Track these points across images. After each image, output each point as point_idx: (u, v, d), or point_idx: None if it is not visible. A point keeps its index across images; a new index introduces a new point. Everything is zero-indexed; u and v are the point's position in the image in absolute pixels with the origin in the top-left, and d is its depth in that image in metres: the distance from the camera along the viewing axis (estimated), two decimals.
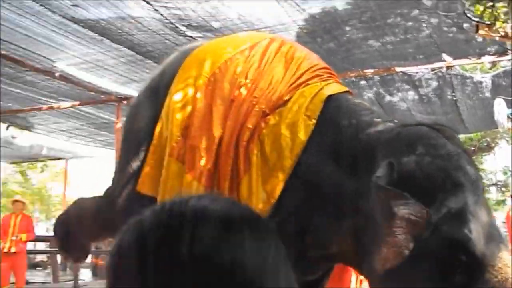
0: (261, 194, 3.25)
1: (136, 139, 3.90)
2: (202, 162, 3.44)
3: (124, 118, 12.49)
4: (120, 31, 8.72)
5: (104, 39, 9.06)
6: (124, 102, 12.33)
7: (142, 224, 0.88)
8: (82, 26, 8.56)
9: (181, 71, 3.75)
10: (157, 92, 3.87)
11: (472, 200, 2.63)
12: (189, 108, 3.59)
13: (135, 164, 3.80)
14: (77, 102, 12.62)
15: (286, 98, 3.46)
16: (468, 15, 8.05)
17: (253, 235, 0.87)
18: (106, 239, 6.33)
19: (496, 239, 2.67)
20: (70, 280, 14.24)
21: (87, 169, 28.15)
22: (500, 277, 2.58)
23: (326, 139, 3.27)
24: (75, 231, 4.41)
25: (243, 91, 3.53)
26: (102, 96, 12.30)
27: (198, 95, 3.59)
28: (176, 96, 3.66)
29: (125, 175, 3.89)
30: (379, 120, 3.26)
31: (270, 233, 0.91)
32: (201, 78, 3.62)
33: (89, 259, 17.35)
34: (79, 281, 14.52)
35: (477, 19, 8.02)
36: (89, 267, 17.33)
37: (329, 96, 3.40)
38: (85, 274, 16.69)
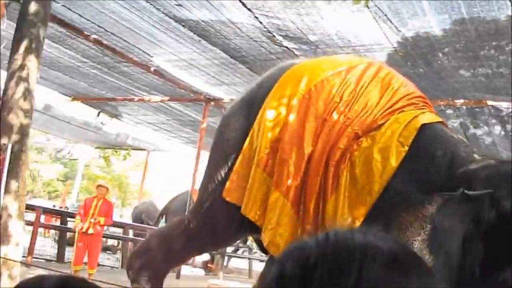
0: (346, 215, 3.24)
1: (226, 148, 3.98)
2: (290, 178, 3.49)
3: (210, 118, 12.85)
4: (218, 34, 8.96)
5: (202, 40, 9.32)
6: (212, 103, 12.59)
7: (306, 254, 0.87)
8: (183, 25, 8.84)
9: (277, 87, 3.80)
10: (251, 105, 3.92)
11: None
12: (281, 123, 3.63)
13: (222, 172, 3.88)
14: (167, 98, 12.99)
15: (380, 122, 3.44)
16: None
17: (418, 277, 0.86)
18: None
19: None
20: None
21: (167, 163, 28.79)
22: None
23: (418, 167, 3.23)
24: (154, 261, 4.30)
25: (337, 111, 3.54)
26: (192, 95, 12.61)
27: (291, 113, 3.62)
28: (269, 113, 3.72)
29: (212, 182, 3.95)
30: (475, 155, 3.21)
31: (432, 275, 0.91)
32: (296, 96, 3.66)
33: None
34: None
35: None
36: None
37: (424, 125, 3.38)
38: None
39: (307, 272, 0.84)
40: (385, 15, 7.65)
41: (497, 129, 11.98)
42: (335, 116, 3.52)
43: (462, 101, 10.48)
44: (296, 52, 9.20)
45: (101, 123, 16.22)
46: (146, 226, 15.56)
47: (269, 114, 3.72)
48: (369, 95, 3.58)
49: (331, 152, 3.42)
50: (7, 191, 5.37)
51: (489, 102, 10.30)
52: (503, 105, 10.41)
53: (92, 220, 10.64)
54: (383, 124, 3.44)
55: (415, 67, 9.42)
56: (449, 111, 11.61)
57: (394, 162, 3.23)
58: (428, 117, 3.52)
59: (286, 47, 9.05)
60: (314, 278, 0.83)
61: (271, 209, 3.52)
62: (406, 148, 3.27)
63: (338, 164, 3.38)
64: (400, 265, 0.85)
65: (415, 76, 9.63)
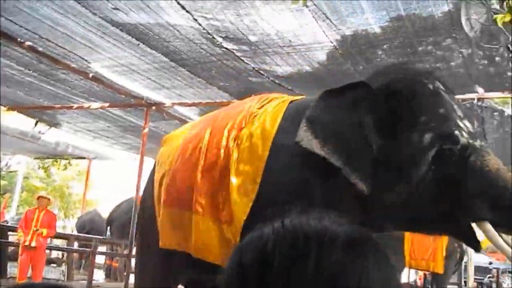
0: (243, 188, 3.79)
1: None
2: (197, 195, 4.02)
3: (151, 123, 12.67)
4: (157, 37, 8.81)
5: (141, 43, 9.15)
6: (153, 107, 12.41)
7: (263, 242, 0.89)
8: (121, 30, 8.66)
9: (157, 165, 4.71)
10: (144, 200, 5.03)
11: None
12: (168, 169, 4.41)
13: None
14: (107, 104, 12.74)
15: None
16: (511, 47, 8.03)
17: (374, 257, 0.89)
18: None
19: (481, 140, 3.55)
20: (83, 280, 14.28)
21: (110, 170, 28.34)
22: (490, 166, 3.39)
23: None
24: None
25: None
26: (132, 100, 12.39)
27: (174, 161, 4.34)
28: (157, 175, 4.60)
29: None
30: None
31: (387, 257, 0.93)
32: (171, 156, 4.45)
33: (103, 260, 17.41)
34: (92, 281, 14.57)
35: None
36: (102, 268, 17.38)
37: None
38: (99, 275, 16.71)
39: (265, 260, 0.86)
40: (324, 14, 7.67)
41: None
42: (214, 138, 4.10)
43: None
44: (237, 53, 9.15)
45: (39, 132, 15.81)
46: (91, 236, 15.27)
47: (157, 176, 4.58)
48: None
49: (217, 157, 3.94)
50: None
51: None
52: None
53: (35, 229, 10.39)
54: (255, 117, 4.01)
55: (355, 64, 9.49)
56: None
57: (271, 127, 3.80)
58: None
59: (226, 48, 8.98)
60: (273, 265, 0.85)
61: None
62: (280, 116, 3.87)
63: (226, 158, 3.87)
64: (356, 247, 0.88)
65: (356, 73, 9.73)
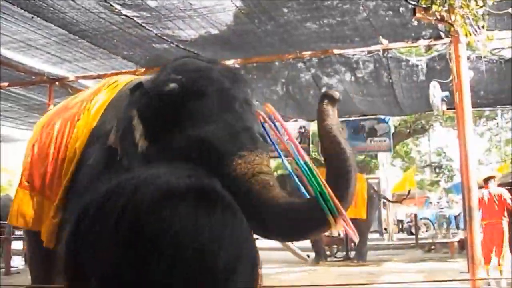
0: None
1: None
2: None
3: (57, 99, 12.21)
4: (51, 8, 8.35)
5: (35, 17, 8.67)
6: (57, 83, 11.94)
7: (100, 200, 0.86)
8: (11, 3, 8.18)
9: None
10: None
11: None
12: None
13: None
14: (6, 84, 12.13)
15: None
16: None
17: (222, 211, 0.85)
18: None
19: (245, 143, 3.28)
20: (1, 268, 13.81)
21: (19, 152, 27.37)
22: (238, 171, 3.18)
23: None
24: None
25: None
26: (34, 77, 11.86)
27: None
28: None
29: None
30: None
31: (236, 209, 0.90)
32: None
33: (21, 246, 16.87)
34: (11, 268, 14.13)
35: (414, 2, 8.08)
36: (21, 254, 16.85)
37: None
38: (17, 261, 16.22)
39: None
40: None
41: (348, 76, 12.33)
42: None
43: (309, 52, 10.59)
44: (137, 20, 8.82)
45: None
46: (3, 222, 14.73)
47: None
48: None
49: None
50: None
51: (335, 51, 10.51)
52: (349, 52, 10.67)
53: None
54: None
55: (261, 24, 9.37)
56: (300, 65, 11.79)
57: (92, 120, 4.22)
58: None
59: (126, 16, 8.63)
60: (109, 222, 0.81)
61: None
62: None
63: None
64: (200, 201, 0.84)
65: (261, 33, 9.63)
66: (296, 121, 16.54)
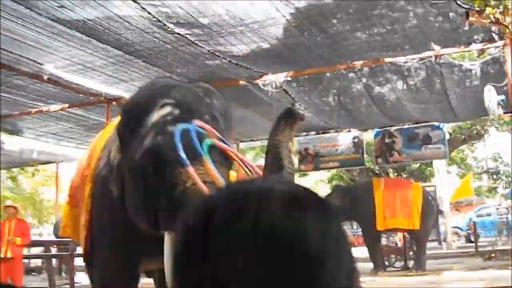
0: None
1: None
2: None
3: (114, 119, 12.50)
4: (107, 30, 8.64)
5: (92, 39, 8.97)
6: (114, 103, 12.26)
7: (208, 203, 0.93)
8: (69, 27, 8.48)
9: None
10: None
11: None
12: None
13: None
14: (66, 105, 12.54)
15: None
16: (458, 2, 8.05)
17: (316, 213, 0.90)
18: None
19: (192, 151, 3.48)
20: (66, 284, 14.15)
21: None
22: (190, 182, 3.36)
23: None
24: None
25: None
26: (91, 98, 12.23)
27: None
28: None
29: None
30: None
31: (333, 212, 0.94)
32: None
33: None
34: (75, 284, 14.43)
35: (467, 6, 8.01)
36: (84, 270, 17.21)
37: None
38: (81, 277, 16.57)
39: (208, 218, 0.88)
40: None
41: (400, 84, 12.27)
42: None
43: (360, 62, 10.62)
44: (190, 38, 9.03)
45: (1, 142, 15.52)
46: (67, 240, 15.07)
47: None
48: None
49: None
50: None
51: (386, 59, 10.50)
52: (400, 60, 10.63)
53: (9, 238, 10.23)
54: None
55: (311, 36, 9.45)
56: (351, 75, 11.79)
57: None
58: None
59: (179, 34, 8.86)
60: (215, 223, 0.87)
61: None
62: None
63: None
64: (298, 202, 0.89)
65: (312, 45, 9.70)
66: (349, 131, 16.53)
